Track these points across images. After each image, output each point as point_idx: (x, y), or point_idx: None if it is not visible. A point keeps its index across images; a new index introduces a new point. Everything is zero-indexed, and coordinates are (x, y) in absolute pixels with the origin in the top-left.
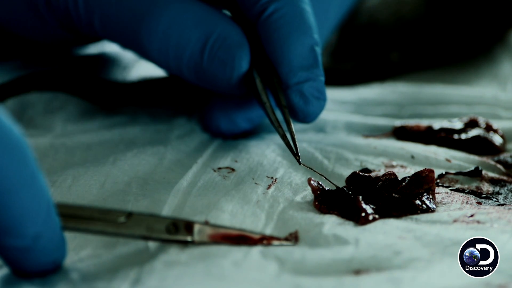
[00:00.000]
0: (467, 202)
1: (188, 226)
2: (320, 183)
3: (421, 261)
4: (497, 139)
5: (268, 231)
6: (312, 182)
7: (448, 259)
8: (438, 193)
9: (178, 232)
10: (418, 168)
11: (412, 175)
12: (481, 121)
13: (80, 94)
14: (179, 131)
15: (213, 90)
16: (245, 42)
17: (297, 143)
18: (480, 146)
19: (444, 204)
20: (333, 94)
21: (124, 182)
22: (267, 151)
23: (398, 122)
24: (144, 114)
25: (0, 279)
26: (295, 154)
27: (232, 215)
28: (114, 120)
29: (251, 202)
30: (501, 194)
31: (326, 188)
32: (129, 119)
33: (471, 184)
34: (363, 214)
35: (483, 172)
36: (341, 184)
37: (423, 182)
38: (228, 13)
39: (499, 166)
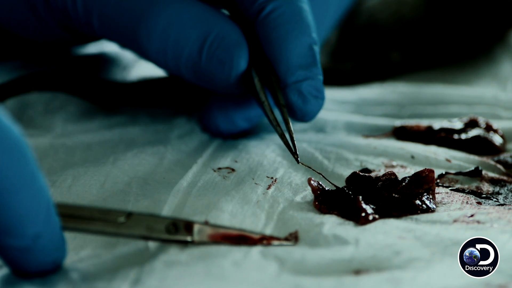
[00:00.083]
0: (467, 202)
1: (188, 226)
2: (320, 183)
3: (421, 261)
4: (497, 139)
5: (268, 231)
6: (312, 182)
7: (448, 259)
8: (438, 193)
9: (178, 232)
10: (418, 168)
11: (412, 175)
12: (481, 121)
13: (80, 94)
14: (179, 131)
15: (211, 90)
16: (243, 41)
17: (296, 143)
18: (480, 146)
19: (444, 204)
20: (333, 94)
21: (124, 182)
22: (267, 151)
23: (398, 122)
24: (144, 114)
25: (0, 279)
26: (294, 153)
27: (232, 215)
28: (114, 120)
29: (251, 202)
30: (501, 194)
31: (326, 188)
32: (129, 119)
33: (471, 184)
34: (363, 214)
35: (483, 172)
36: (341, 184)
37: (423, 182)
38: (226, 12)
39: (499, 166)
